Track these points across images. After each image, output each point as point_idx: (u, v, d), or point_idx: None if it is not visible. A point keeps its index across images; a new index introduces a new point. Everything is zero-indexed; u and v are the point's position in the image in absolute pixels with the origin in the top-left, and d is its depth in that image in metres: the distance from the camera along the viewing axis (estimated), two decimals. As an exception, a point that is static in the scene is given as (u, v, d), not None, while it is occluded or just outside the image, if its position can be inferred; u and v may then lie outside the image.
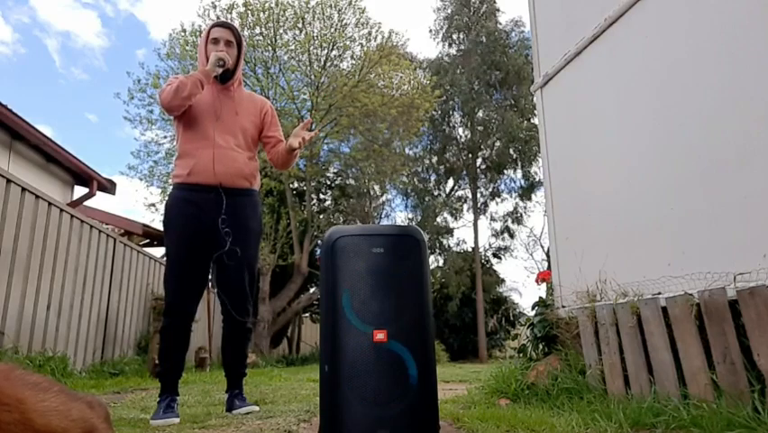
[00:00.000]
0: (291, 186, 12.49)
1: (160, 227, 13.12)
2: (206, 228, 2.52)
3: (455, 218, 22.32)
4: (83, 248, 5.23)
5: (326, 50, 12.34)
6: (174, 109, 2.54)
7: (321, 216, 13.87)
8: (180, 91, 2.47)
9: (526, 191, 21.52)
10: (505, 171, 21.43)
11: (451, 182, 22.26)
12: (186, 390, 4.01)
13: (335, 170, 15.61)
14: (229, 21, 12.17)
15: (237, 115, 2.66)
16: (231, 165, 2.56)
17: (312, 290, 13.80)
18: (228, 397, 2.63)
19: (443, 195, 22.10)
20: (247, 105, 2.72)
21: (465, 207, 22.25)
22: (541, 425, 1.97)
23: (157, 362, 2.63)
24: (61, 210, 4.86)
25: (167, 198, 2.64)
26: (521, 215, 22.19)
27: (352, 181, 16.08)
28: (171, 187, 2.64)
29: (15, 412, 0.72)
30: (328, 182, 15.82)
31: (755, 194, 2.10)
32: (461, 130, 21.84)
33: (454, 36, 21.69)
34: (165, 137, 12.76)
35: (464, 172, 21.40)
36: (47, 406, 0.79)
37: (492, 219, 22.57)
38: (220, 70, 2.58)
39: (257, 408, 2.61)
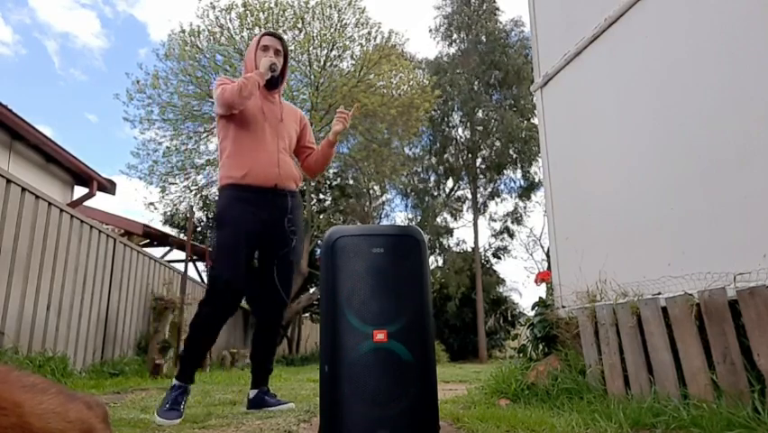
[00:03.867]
0: (291, 186, 12.48)
1: (160, 227, 13.04)
2: (262, 227, 2.59)
3: (455, 218, 22.36)
4: (83, 248, 5.23)
5: (326, 51, 12.34)
6: (235, 107, 2.60)
7: (321, 216, 13.87)
8: (243, 91, 2.56)
9: (526, 191, 21.54)
10: (504, 171, 21.45)
11: (450, 182, 22.28)
12: (186, 390, 4.01)
13: (335, 170, 15.61)
14: (229, 22, 12.15)
15: (282, 121, 2.77)
16: (285, 168, 2.69)
17: (312, 290, 13.79)
18: (256, 394, 2.69)
19: (443, 195, 22.10)
20: (288, 113, 2.85)
21: (465, 207, 22.28)
22: (541, 425, 1.97)
23: (182, 348, 2.67)
24: (61, 210, 4.85)
25: (219, 198, 2.66)
26: (521, 215, 22.22)
27: (351, 181, 16.08)
28: (222, 187, 2.65)
29: (12, 416, 0.71)
30: (328, 182, 15.82)
31: (755, 194, 2.10)
32: (460, 130, 21.85)
33: (454, 35, 21.69)
34: (164, 136, 12.75)
35: (464, 172, 21.40)
36: (44, 408, 0.79)
37: (492, 219, 22.60)
38: (269, 75, 2.69)
39: (293, 404, 2.68)
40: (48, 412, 0.78)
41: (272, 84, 2.77)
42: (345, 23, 12.49)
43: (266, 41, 2.79)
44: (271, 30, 2.94)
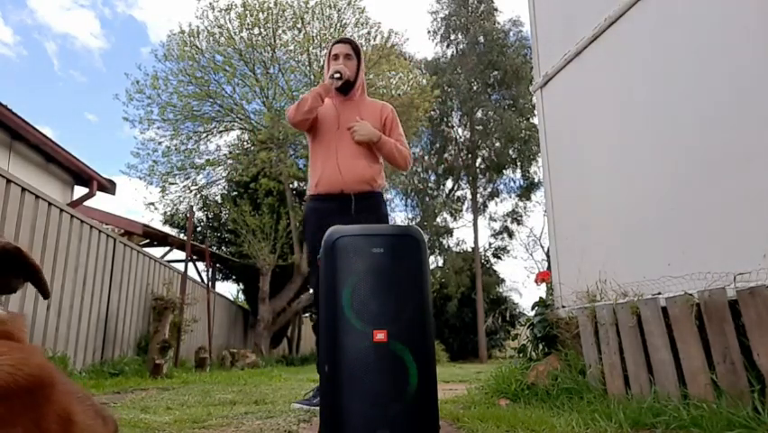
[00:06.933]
0: (291, 186, 12.49)
1: (160, 227, 13.00)
2: None
3: (455, 218, 22.37)
4: (83, 248, 5.22)
5: (326, 51, 12.33)
6: (299, 124, 2.75)
7: (321, 216, 13.87)
8: (301, 106, 2.69)
9: (526, 191, 21.55)
10: (504, 171, 21.45)
11: (450, 182, 22.29)
12: (186, 390, 4.01)
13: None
14: (228, 22, 12.12)
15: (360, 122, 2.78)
16: (352, 171, 2.68)
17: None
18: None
19: (443, 195, 22.10)
20: (370, 111, 2.85)
21: (465, 207, 22.29)
22: (541, 425, 1.97)
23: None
24: (61, 210, 4.85)
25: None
26: (521, 215, 22.23)
27: (351, 181, 16.00)
28: (307, 200, 2.85)
29: (63, 426, 0.70)
30: (328, 182, 15.82)
31: (755, 194, 2.10)
32: (460, 130, 21.86)
33: (452, 36, 21.69)
34: (164, 136, 12.75)
35: (463, 172, 21.41)
36: (83, 420, 0.77)
37: (492, 219, 22.61)
38: (339, 83, 2.75)
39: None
40: (85, 425, 0.77)
41: (348, 88, 2.82)
42: (345, 23, 12.49)
43: (334, 49, 2.87)
44: (342, 36, 3.22)
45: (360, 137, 2.69)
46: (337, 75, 2.72)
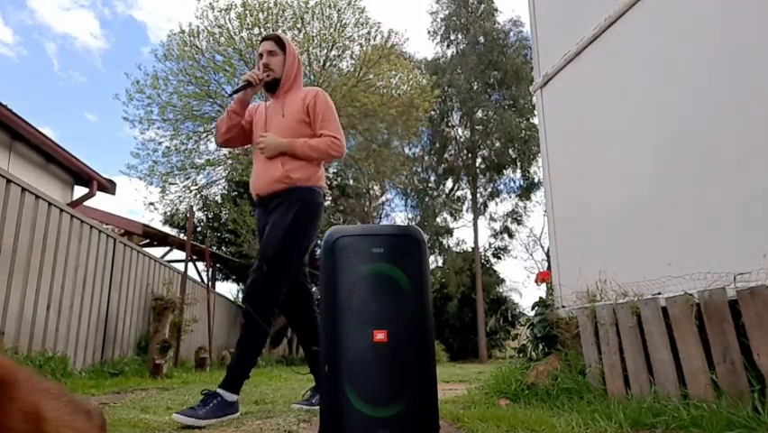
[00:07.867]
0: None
1: (160, 227, 13.01)
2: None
3: (455, 218, 22.38)
4: (83, 248, 5.22)
5: (325, 51, 12.34)
6: (224, 144, 2.79)
7: (321, 216, 13.89)
8: (219, 129, 2.72)
9: (526, 191, 21.55)
10: (504, 171, 21.46)
11: (450, 182, 22.29)
12: (186, 390, 4.01)
13: (335, 170, 15.61)
14: (228, 22, 12.10)
15: (283, 117, 2.64)
16: (266, 174, 2.60)
17: (312, 290, 13.78)
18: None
19: (443, 195, 22.10)
20: (293, 105, 2.66)
21: (465, 207, 22.30)
22: (541, 425, 1.97)
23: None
24: (61, 210, 4.85)
25: None
26: (521, 215, 22.24)
27: (351, 181, 16.09)
28: None
29: (31, 424, 0.70)
30: (328, 182, 15.83)
31: (755, 194, 2.10)
32: (460, 130, 21.86)
33: (452, 36, 21.70)
34: (164, 136, 12.76)
35: (463, 172, 21.40)
36: (57, 416, 0.76)
37: (492, 219, 22.62)
38: (251, 91, 2.67)
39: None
40: (62, 423, 0.76)
41: (276, 85, 2.69)
42: (345, 23, 12.49)
43: (259, 48, 2.76)
44: (267, 33, 3.02)
45: (269, 153, 2.58)
46: (244, 83, 2.61)
